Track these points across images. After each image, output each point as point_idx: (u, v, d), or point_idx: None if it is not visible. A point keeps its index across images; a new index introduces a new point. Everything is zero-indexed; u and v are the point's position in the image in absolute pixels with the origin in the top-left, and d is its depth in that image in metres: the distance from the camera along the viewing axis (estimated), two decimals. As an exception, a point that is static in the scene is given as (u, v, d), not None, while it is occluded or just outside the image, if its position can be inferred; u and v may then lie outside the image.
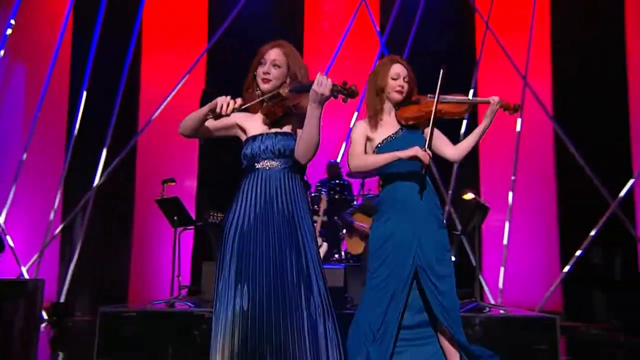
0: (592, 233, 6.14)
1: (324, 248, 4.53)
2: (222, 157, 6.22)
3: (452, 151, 2.48)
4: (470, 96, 2.32)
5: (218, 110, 2.00)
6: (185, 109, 6.49)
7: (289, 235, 2.03)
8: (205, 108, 2.03)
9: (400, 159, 2.25)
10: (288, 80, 2.08)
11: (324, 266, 3.49)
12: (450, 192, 6.42)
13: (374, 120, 2.41)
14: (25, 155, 6.47)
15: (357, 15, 6.73)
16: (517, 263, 6.42)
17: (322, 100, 1.89)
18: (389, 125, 2.41)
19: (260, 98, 2.08)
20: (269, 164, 2.12)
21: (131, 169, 6.75)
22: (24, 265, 6.36)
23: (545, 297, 6.14)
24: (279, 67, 2.10)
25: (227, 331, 1.98)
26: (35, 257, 6.37)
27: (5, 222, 6.33)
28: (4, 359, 3.89)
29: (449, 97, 2.41)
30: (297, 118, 2.13)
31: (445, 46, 6.56)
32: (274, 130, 2.14)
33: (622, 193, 6.19)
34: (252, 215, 2.04)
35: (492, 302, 6.01)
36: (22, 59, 6.79)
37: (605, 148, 6.27)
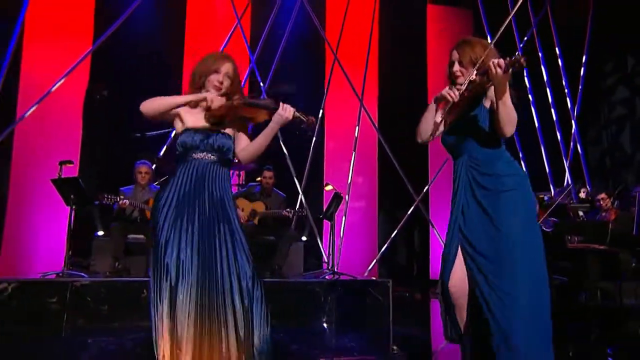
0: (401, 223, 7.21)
1: None
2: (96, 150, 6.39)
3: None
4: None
5: (209, 104, 2.15)
6: (66, 102, 6.28)
7: (220, 210, 2.11)
8: (188, 98, 2.16)
9: None
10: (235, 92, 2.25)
11: None
12: (303, 184, 6.91)
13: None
14: None
15: (233, 34, 6.99)
16: (350, 241, 7.19)
17: (283, 123, 2.14)
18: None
19: (239, 102, 2.19)
20: (205, 156, 2.18)
21: (8, 154, 6.20)
22: None
23: (369, 269, 7.02)
24: (229, 78, 2.23)
25: (166, 295, 1.98)
26: None
27: None
28: None
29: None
30: (235, 123, 2.26)
31: (302, 68, 7.12)
32: (216, 128, 2.22)
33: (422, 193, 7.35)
34: (182, 194, 2.09)
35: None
36: None
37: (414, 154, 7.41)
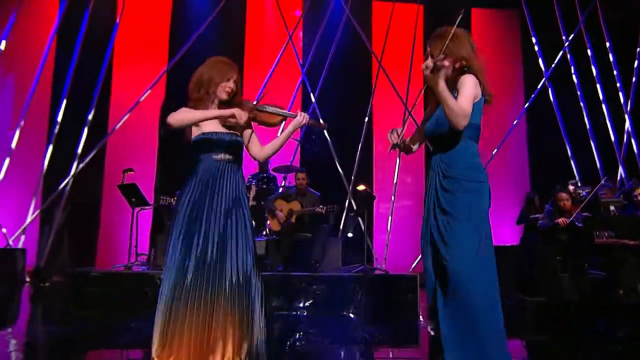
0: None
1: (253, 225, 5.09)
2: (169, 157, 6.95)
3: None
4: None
5: (236, 121, 2.26)
6: (147, 115, 7.01)
7: (233, 206, 2.23)
8: (216, 113, 2.26)
9: None
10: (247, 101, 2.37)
11: (261, 238, 4.18)
12: (351, 184, 7.19)
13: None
14: (11, 149, 6.75)
15: (285, 50, 7.40)
16: (397, 238, 7.37)
17: (299, 127, 2.36)
18: None
19: (255, 107, 2.32)
20: (223, 156, 2.28)
21: (101, 162, 7.13)
22: (10, 238, 6.67)
23: (414, 265, 7.16)
24: (236, 85, 2.34)
25: (172, 284, 2.11)
26: (19, 231, 6.73)
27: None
28: None
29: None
30: (247, 125, 2.39)
31: (349, 78, 7.38)
32: (230, 131, 2.33)
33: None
34: (200, 191, 2.21)
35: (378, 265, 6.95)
36: (12, 72, 6.97)
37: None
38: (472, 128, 1.99)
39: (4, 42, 6.91)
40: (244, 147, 2.41)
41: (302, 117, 2.35)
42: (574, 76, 7.81)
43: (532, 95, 7.81)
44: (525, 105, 7.87)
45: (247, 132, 2.41)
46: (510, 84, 8.01)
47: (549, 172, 7.43)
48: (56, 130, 6.94)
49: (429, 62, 1.87)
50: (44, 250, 6.77)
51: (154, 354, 2.09)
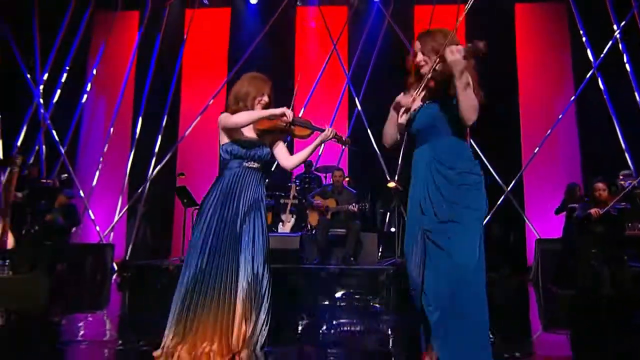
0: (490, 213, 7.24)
1: (291, 222, 5.47)
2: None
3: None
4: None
5: (286, 119, 2.33)
6: (211, 123, 7.65)
7: (253, 208, 2.36)
8: (269, 112, 2.33)
9: None
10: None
11: (289, 234, 4.47)
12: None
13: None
14: (102, 159, 7.75)
15: (330, 59, 7.72)
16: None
17: (326, 140, 2.45)
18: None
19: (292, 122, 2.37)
20: (249, 164, 2.40)
21: (173, 166, 7.92)
22: (102, 234, 7.70)
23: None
24: (269, 99, 2.46)
25: (196, 268, 2.26)
26: (108, 229, 7.70)
27: (90, 204, 7.51)
28: (87, 299, 4.95)
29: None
30: (277, 135, 2.52)
31: (391, 80, 7.50)
32: (261, 141, 2.44)
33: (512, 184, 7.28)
34: (225, 193, 2.34)
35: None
36: (103, 93, 8.14)
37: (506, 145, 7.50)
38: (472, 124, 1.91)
39: (94, 70, 7.95)
40: (272, 156, 2.51)
41: (329, 132, 2.44)
42: (627, 65, 7.34)
43: (581, 86, 7.46)
44: (573, 97, 7.53)
45: (278, 142, 2.54)
46: (559, 76, 7.77)
47: (602, 163, 7.09)
48: (137, 138, 7.81)
49: (459, 48, 1.80)
50: (128, 245, 7.67)
51: (166, 341, 2.24)
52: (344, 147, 2.59)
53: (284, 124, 2.37)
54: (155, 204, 7.82)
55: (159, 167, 7.81)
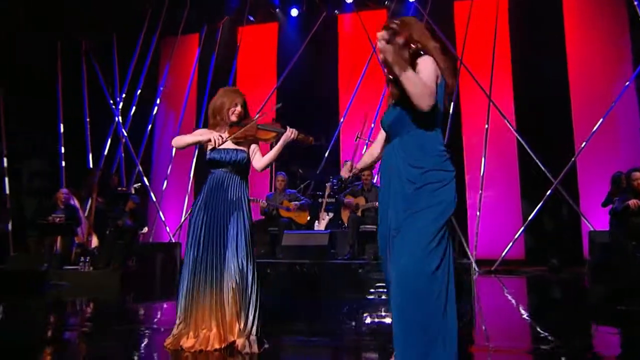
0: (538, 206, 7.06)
1: (326, 219, 5.76)
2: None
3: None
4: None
5: (212, 145, 2.52)
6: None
7: (235, 207, 2.56)
8: (200, 139, 2.61)
9: None
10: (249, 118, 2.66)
11: (319, 231, 4.72)
12: None
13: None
14: (170, 166, 8.68)
15: (370, 62, 7.93)
16: (490, 227, 7.32)
17: (289, 142, 2.58)
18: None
19: (254, 126, 2.58)
20: (229, 168, 2.61)
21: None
22: (171, 233, 8.54)
23: (504, 253, 7.10)
24: (242, 108, 2.65)
25: (190, 266, 2.49)
26: (176, 229, 8.55)
27: (161, 207, 8.48)
28: (157, 290, 5.53)
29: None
30: (251, 141, 2.68)
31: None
32: (234, 147, 2.62)
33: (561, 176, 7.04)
34: (209, 195, 2.57)
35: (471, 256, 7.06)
36: (171, 107, 9.06)
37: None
38: (437, 113, 1.78)
39: (162, 87, 8.88)
40: (249, 160, 2.69)
41: (290, 133, 2.57)
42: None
43: (640, 66, 6.96)
44: (631, 78, 7.03)
45: (252, 147, 2.71)
46: (617, 57, 7.29)
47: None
48: (197, 147, 8.56)
49: (384, 32, 1.74)
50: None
51: (175, 329, 2.54)
52: (308, 145, 2.63)
53: (251, 133, 2.59)
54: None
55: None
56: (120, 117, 8.78)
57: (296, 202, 5.83)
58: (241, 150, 2.64)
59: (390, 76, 1.80)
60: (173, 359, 2.38)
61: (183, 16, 8.72)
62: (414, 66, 1.77)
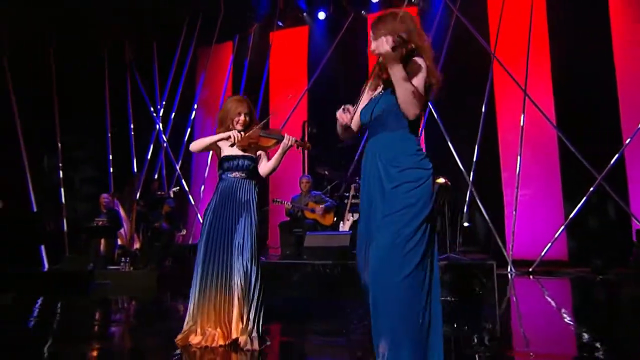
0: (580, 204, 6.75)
1: (350, 220, 5.78)
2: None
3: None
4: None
5: (233, 140, 2.68)
6: (296, 127, 8.36)
7: (244, 209, 2.68)
8: (220, 136, 2.71)
9: None
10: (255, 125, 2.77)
11: (340, 232, 4.79)
12: (472, 175, 7.19)
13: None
14: (207, 170, 8.98)
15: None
16: (528, 226, 7.05)
17: (288, 148, 2.73)
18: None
19: (257, 134, 2.70)
20: (238, 174, 2.75)
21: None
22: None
23: (543, 253, 6.81)
24: (248, 116, 2.77)
25: (199, 268, 2.64)
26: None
27: (199, 210, 8.82)
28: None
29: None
30: (257, 148, 2.81)
31: (465, 75, 7.41)
32: (241, 154, 2.77)
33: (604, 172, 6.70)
34: (220, 199, 2.71)
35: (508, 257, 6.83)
36: (209, 114, 9.41)
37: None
38: (418, 117, 1.78)
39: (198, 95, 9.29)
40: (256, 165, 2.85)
41: (288, 140, 2.72)
42: None
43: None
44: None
45: (259, 153, 2.86)
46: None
47: None
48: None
49: (389, 39, 1.69)
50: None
51: (185, 326, 2.67)
52: (305, 150, 2.82)
53: (254, 140, 2.72)
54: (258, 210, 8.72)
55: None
56: (161, 124, 9.26)
57: (321, 205, 5.91)
58: (248, 156, 2.78)
59: (384, 76, 1.81)
60: (183, 353, 2.54)
61: (217, 25, 9.05)
62: (406, 66, 1.77)
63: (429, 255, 1.73)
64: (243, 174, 2.74)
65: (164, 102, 9.36)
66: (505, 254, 6.85)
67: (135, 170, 9.11)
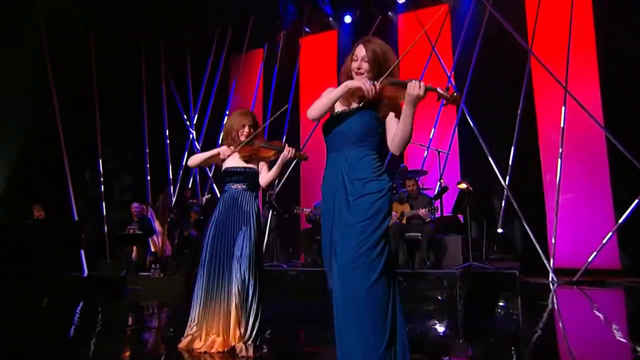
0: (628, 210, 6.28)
1: None
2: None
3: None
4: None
5: (221, 157, 2.86)
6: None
7: (244, 222, 2.80)
8: (212, 152, 2.89)
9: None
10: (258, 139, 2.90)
11: None
12: (508, 178, 6.87)
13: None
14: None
15: (431, 61, 7.69)
16: (573, 233, 6.64)
17: (286, 160, 2.81)
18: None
19: (255, 146, 2.84)
20: (239, 186, 2.89)
21: (297, 181, 8.83)
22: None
23: (589, 260, 6.35)
24: (251, 128, 2.90)
25: (204, 277, 2.79)
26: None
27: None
28: None
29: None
30: (259, 159, 2.93)
31: (500, 73, 7.11)
32: (244, 165, 2.89)
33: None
34: (223, 209, 2.84)
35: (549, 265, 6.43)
36: None
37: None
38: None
39: (230, 102, 9.47)
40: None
41: (287, 152, 2.81)
42: None
43: None
44: None
45: (260, 164, 2.97)
46: None
47: None
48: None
49: (421, 84, 1.85)
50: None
51: (188, 331, 2.84)
52: (301, 161, 2.85)
53: (255, 152, 2.85)
54: (284, 213, 8.81)
55: (282, 182, 8.83)
56: (194, 132, 9.54)
57: None
58: (250, 167, 2.90)
59: (374, 96, 1.92)
60: (186, 357, 2.72)
61: (246, 34, 9.25)
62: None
63: (390, 265, 1.83)
64: (244, 186, 2.86)
65: (197, 110, 9.66)
66: (545, 262, 6.47)
67: (171, 177, 9.44)
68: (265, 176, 2.92)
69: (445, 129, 7.65)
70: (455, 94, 1.88)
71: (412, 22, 8.15)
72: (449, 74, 7.68)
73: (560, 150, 6.80)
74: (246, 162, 2.88)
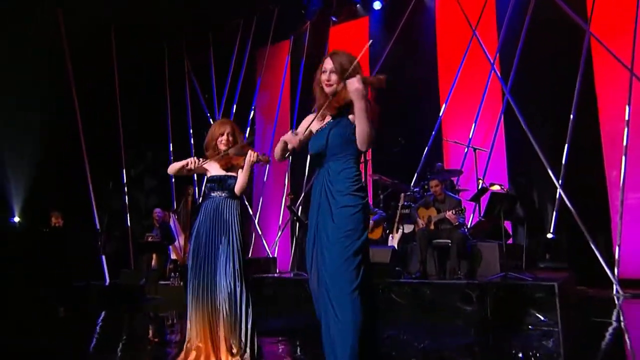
0: None
1: (400, 233, 5.53)
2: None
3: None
4: None
5: (188, 167, 2.95)
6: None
7: (225, 230, 2.88)
8: (181, 163, 2.97)
9: None
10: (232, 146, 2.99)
11: (380, 247, 4.72)
12: (561, 178, 6.49)
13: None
14: (265, 179, 9.21)
15: (472, 46, 7.41)
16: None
17: (252, 164, 2.93)
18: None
19: (220, 155, 2.95)
20: (219, 193, 2.98)
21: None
22: (269, 248, 8.98)
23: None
24: (230, 136, 3.00)
25: (189, 288, 2.84)
26: (273, 244, 8.97)
27: (259, 223, 9.00)
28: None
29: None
30: (236, 167, 3.01)
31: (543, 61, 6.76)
32: (226, 174, 3.00)
33: None
34: (204, 219, 2.91)
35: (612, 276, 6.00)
36: (265, 117, 9.69)
37: None
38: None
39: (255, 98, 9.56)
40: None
41: (249, 156, 2.91)
42: None
43: None
44: None
45: (239, 172, 3.02)
46: None
47: None
48: (290, 157, 9.02)
49: (358, 77, 1.97)
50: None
51: (187, 343, 2.88)
52: (265, 164, 2.98)
53: (228, 160, 2.97)
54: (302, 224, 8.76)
55: (310, 183, 8.79)
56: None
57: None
58: (230, 175, 3.00)
59: (335, 104, 2.12)
60: None
61: (271, 26, 9.18)
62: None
63: (366, 277, 2.00)
64: (225, 193, 2.96)
65: (222, 108, 9.75)
66: (608, 271, 6.04)
67: (196, 179, 9.65)
68: (237, 183, 2.99)
69: (488, 126, 7.38)
70: (378, 76, 2.00)
71: (451, 4, 7.91)
72: (492, 61, 7.20)
73: (625, 144, 6.36)
74: (227, 170, 2.99)
